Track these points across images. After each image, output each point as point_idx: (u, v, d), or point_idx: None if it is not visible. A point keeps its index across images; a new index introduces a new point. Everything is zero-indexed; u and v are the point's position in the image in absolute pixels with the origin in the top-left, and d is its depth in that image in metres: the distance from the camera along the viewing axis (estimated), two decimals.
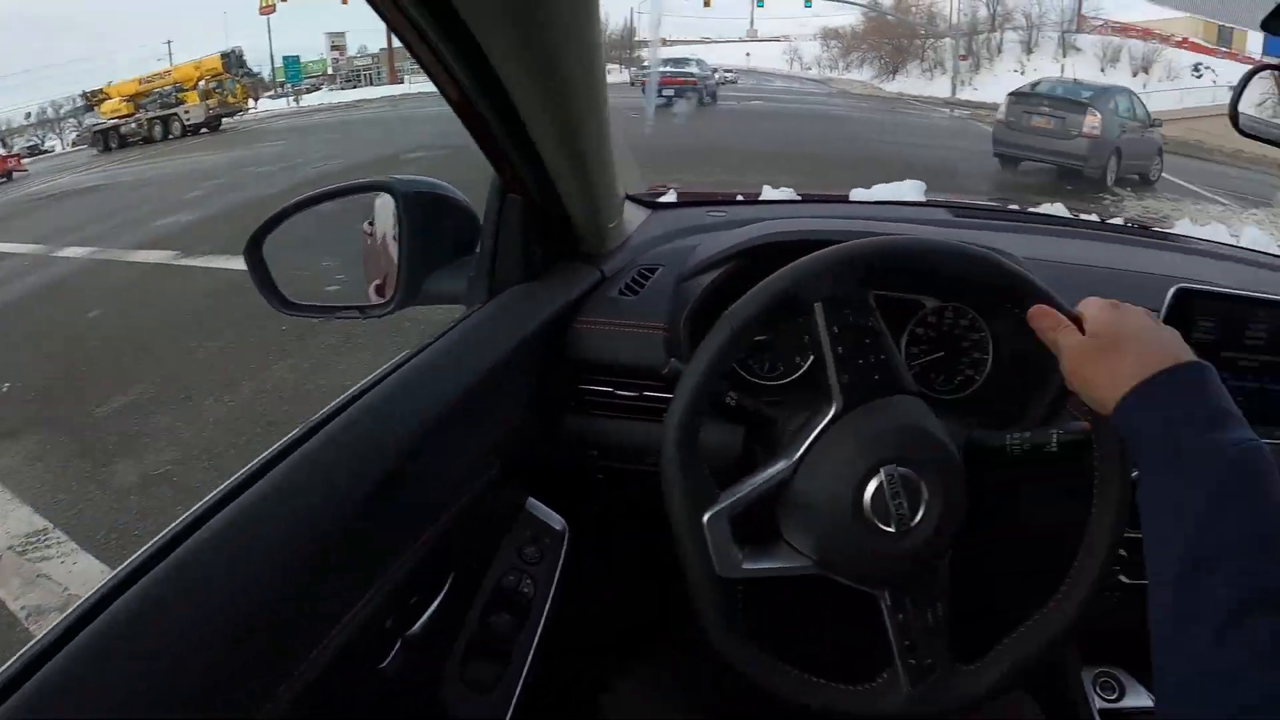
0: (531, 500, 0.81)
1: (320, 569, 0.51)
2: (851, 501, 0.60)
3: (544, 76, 0.60)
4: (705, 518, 0.60)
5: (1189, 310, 0.80)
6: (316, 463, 0.56)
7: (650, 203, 1.02)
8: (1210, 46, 18.95)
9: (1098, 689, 0.90)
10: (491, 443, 0.73)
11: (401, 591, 0.60)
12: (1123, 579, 0.83)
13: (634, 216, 0.95)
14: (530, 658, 0.76)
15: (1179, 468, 0.46)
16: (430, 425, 0.63)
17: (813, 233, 0.80)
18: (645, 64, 19.21)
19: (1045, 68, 18.78)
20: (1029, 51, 20.73)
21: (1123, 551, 0.80)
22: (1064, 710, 0.90)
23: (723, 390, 0.67)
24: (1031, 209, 1.20)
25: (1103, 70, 18.32)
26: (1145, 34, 19.24)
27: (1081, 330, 0.57)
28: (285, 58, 23.57)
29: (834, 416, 0.62)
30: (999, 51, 21.42)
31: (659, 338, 0.78)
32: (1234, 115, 0.83)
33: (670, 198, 1.06)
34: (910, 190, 1.10)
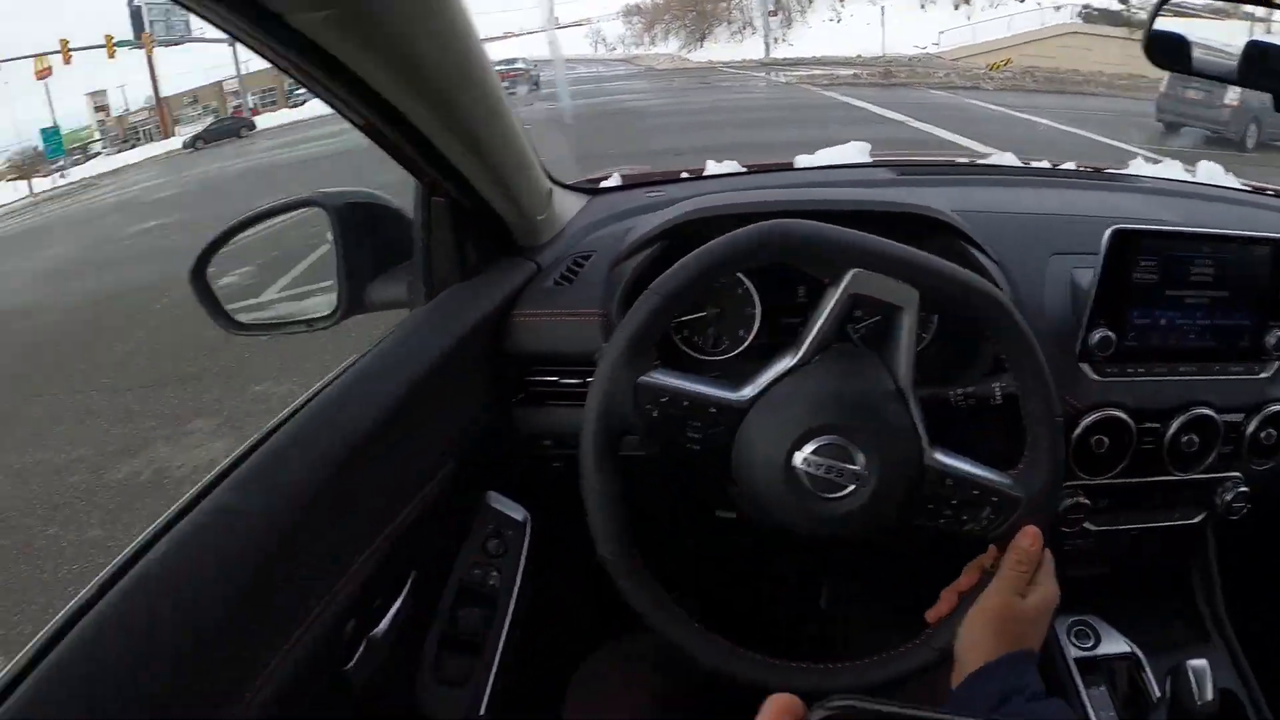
0: (491, 493, 0.82)
1: (276, 576, 0.52)
2: (784, 460, 0.59)
3: (421, 84, 0.61)
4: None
5: (1128, 251, 0.78)
6: (266, 471, 0.57)
7: (590, 189, 1.02)
8: None
9: (1072, 638, 0.91)
10: (444, 441, 0.74)
11: (362, 593, 0.61)
12: (1088, 526, 0.85)
13: (571, 205, 0.96)
14: (501, 649, 0.78)
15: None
16: (377, 427, 0.64)
17: (732, 206, 0.81)
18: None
19: (862, 12, 18.51)
20: None
21: (1084, 499, 0.83)
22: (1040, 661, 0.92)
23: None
24: (980, 161, 1.18)
25: (922, 7, 18.32)
26: None
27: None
28: (43, 130, 20.59)
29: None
30: (810, 2, 20.71)
31: (595, 323, 0.79)
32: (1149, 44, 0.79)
33: (614, 181, 1.06)
34: (855, 152, 1.10)
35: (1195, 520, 0.88)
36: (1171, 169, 1.21)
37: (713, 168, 1.07)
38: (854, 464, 0.59)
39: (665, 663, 0.83)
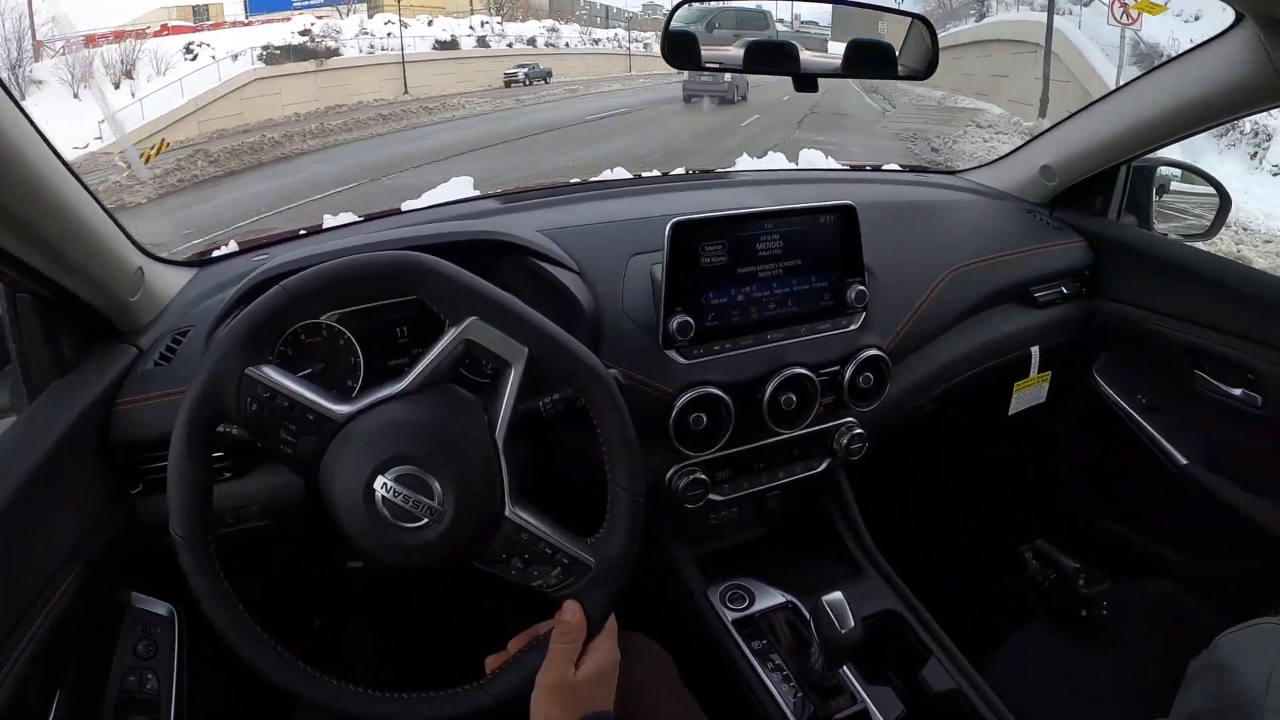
0: (135, 594, 0.80)
1: None
2: (364, 504, 0.60)
3: None
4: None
5: (691, 240, 0.84)
6: None
7: (198, 261, 1.00)
8: (192, 25, 19.10)
9: (726, 602, 0.94)
10: (66, 549, 0.70)
11: (8, 716, 0.58)
12: (714, 498, 0.92)
13: (176, 280, 0.93)
14: None
15: None
16: None
17: (298, 261, 0.81)
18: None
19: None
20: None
21: (701, 475, 0.88)
22: (700, 630, 0.94)
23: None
24: (591, 179, 1.25)
25: (76, 96, 14.77)
26: (117, 37, 16.74)
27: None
28: None
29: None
30: None
31: None
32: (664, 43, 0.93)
33: (230, 248, 1.04)
34: (458, 188, 1.17)
35: (821, 469, 0.99)
36: (775, 160, 1.37)
37: (329, 221, 1.09)
38: (431, 498, 0.61)
39: None
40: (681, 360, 0.87)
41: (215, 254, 1.02)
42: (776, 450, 0.95)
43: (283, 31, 18.21)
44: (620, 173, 1.25)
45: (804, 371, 0.91)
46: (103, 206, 0.79)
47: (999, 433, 1.28)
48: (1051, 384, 1.25)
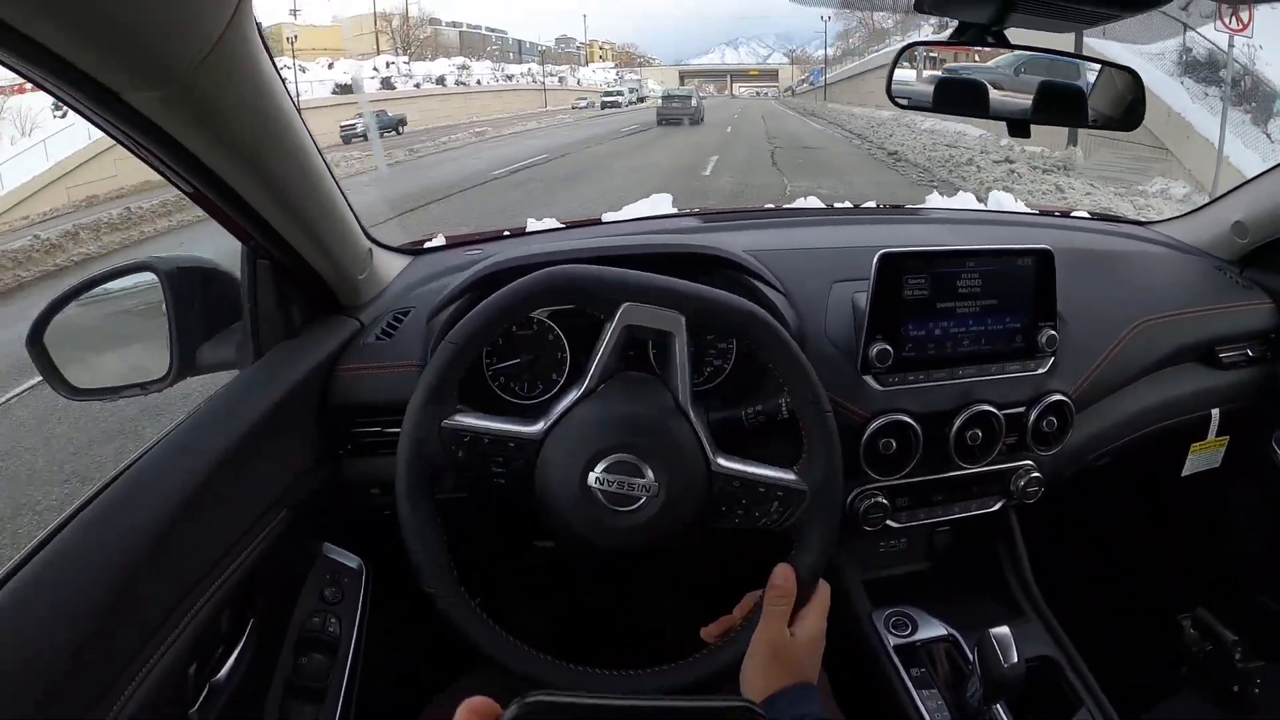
0: (327, 545, 0.85)
1: (117, 619, 0.55)
2: (580, 480, 0.65)
3: (244, 156, 0.66)
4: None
5: (896, 271, 0.86)
6: (109, 515, 0.60)
7: (413, 250, 1.08)
8: None
9: (890, 628, 0.95)
10: (276, 492, 0.76)
11: (203, 640, 0.63)
12: (891, 524, 0.92)
13: (394, 265, 1.00)
14: (344, 693, 0.80)
15: None
16: (205, 482, 0.66)
17: (530, 258, 0.86)
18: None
19: None
20: None
21: (882, 499, 0.90)
22: (861, 652, 0.96)
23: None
24: (786, 205, 1.28)
25: None
26: None
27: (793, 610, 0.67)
28: None
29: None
30: None
31: (414, 374, 0.83)
32: (888, 88, 0.88)
33: (438, 242, 1.11)
34: (659, 204, 1.19)
35: (995, 508, 0.98)
36: (965, 200, 1.35)
37: (532, 225, 1.14)
38: (643, 477, 0.65)
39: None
40: (877, 386, 0.89)
41: (427, 245, 1.09)
42: (956, 484, 0.95)
43: None
44: (814, 202, 1.27)
45: (991, 409, 0.91)
46: (342, 192, 0.84)
47: (1170, 493, 1.23)
48: (1228, 449, 1.19)
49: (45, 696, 0.49)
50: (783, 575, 0.68)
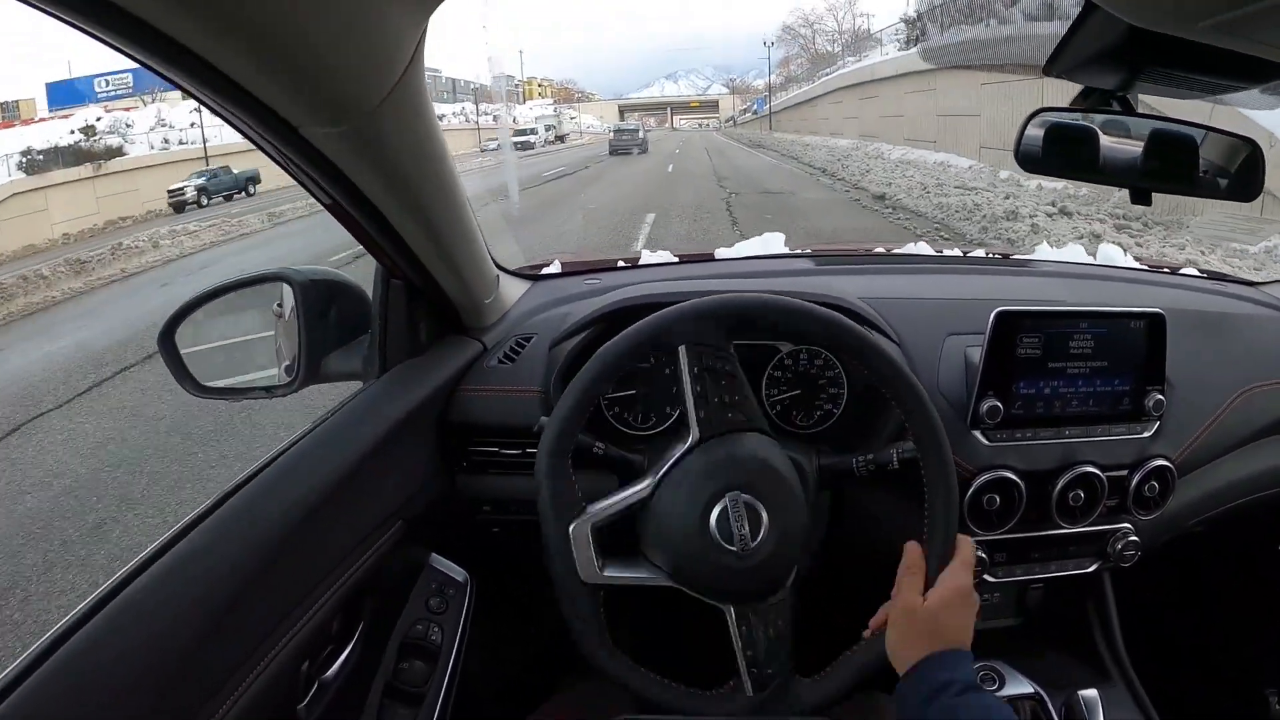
0: (434, 556, 0.89)
1: (241, 615, 0.59)
2: (699, 522, 0.69)
3: (400, 187, 0.70)
4: (571, 527, 0.68)
5: (1011, 329, 0.86)
6: (237, 519, 0.64)
7: (532, 275, 1.11)
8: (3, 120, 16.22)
9: (979, 681, 0.97)
10: (394, 504, 0.80)
11: (315, 640, 0.67)
12: (988, 578, 0.92)
13: (515, 290, 1.04)
14: (441, 700, 0.83)
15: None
16: (333, 488, 0.70)
17: (660, 295, 0.89)
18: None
19: None
20: None
21: (981, 553, 0.90)
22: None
23: (590, 443, 0.76)
24: (896, 250, 1.27)
25: None
26: None
27: (928, 583, 0.69)
28: None
29: (690, 447, 0.71)
30: None
31: (535, 399, 0.86)
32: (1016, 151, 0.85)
33: (554, 268, 1.14)
34: (771, 243, 1.20)
35: (1090, 569, 0.96)
36: (1073, 252, 1.33)
37: (647, 257, 1.16)
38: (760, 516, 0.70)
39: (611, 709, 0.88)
40: (985, 442, 0.89)
41: (545, 271, 1.13)
42: (1054, 543, 0.94)
43: (60, 130, 14.82)
44: (924, 247, 1.27)
45: (1095, 471, 0.90)
46: (473, 214, 0.88)
47: (1269, 565, 1.19)
48: None
49: (175, 677, 0.53)
50: (911, 549, 0.70)
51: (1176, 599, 1.32)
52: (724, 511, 0.68)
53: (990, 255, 1.34)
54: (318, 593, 0.67)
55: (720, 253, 1.19)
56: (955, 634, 0.66)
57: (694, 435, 0.71)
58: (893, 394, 0.73)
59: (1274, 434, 1.07)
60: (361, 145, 0.62)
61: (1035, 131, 0.89)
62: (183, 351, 0.96)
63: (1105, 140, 0.87)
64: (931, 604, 0.67)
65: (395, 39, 0.53)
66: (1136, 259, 1.34)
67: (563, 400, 0.70)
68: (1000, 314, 0.86)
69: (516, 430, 0.85)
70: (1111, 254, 1.31)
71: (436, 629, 0.85)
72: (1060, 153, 0.81)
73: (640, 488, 0.71)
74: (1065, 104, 0.83)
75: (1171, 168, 0.84)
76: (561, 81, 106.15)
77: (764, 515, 0.69)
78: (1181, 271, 1.35)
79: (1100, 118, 0.81)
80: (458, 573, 0.87)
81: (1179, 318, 1.03)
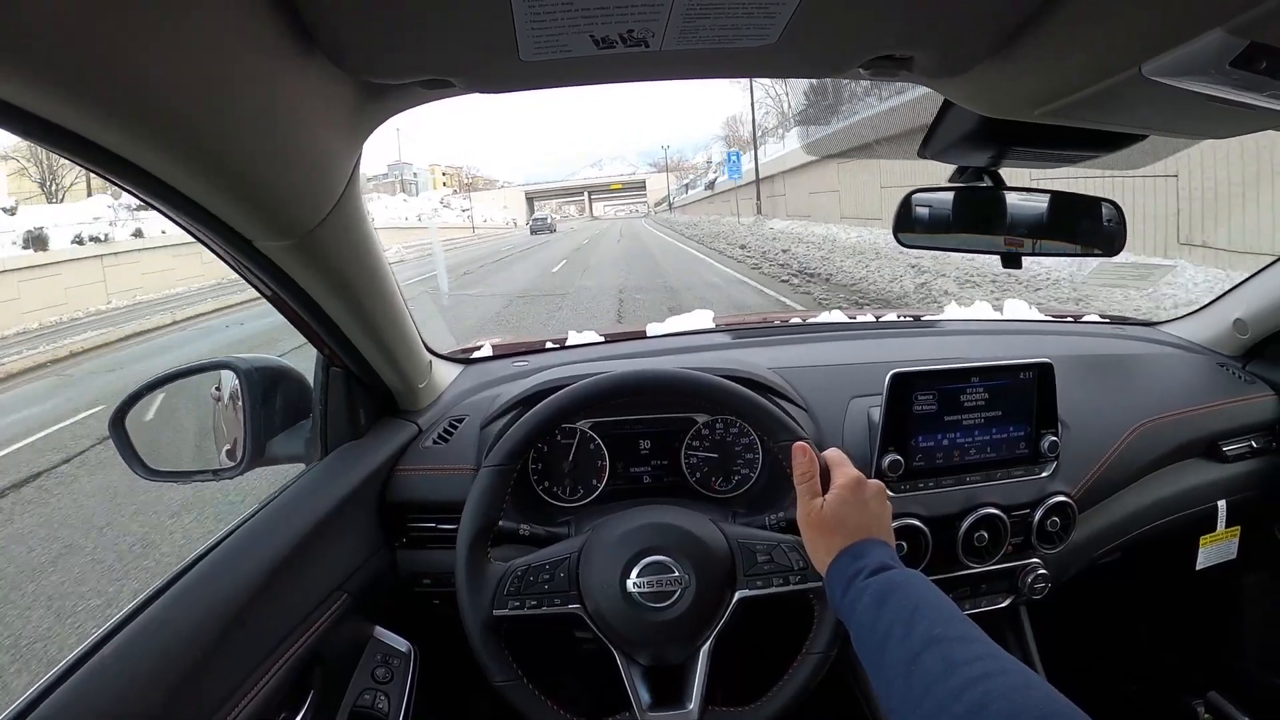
0: (379, 628, 0.92)
1: (192, 692, 0.62)
2: (619, 583, 0.74)
3: (341, 288, 0.75)
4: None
5: (907, 389, 0.93)
6: (194, 591, 0.68)
7: (464, 359, 1.17)
8: None
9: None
10: (338, 580, 0.84)
11: (268, 708, 0.70)
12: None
13: (448, 373, 1.10)
14: None
15: (851, 608, 0.62)
16: (278, 566, 0.74)
17: (581, 376, 0.94)
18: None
19: None
20: None
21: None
22: None
23: (515, 526, 0.82)
24: (811, 319, 1.34)
25: None
26: None
27: (824, 486, 0.71)
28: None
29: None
30: None
31: (468, 476, 0.91)
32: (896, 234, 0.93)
33: (486, 351, 1.20)
34: (699, 319, 1.27)
35: (1004, 605, 1.02)
36: (981, 310, 1.41)
37: (574, 338, 1.23)
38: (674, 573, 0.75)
39: None
40: (889, 494, 0.93)
41: (476, 355, 1.19)
42: (965, 582, 0.99)
43: None
44: (837, 315, 1.34)
45: (996, 512, 0.96)
46: (406, 307, 0.93)
47: (1183, 585, 1.26)
48: (1241, 538, 1.23)
49: None
50: (800, 451, 0.72)
51: (1099, 625, 1.38)
52: (642, 572, 0.74)
53: (901, 318, 1.41)
54: (269, 663, 0.70)
55: (651, 329, 1.25)
56: (862, 526, 0.67)
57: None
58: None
59: (1172, 463, 1.15)
60: (308, 257, 0.67)
61: (909, 210, 0.97)
62: (133, 436, 1.00)
63: (973, 213, 0.95)
64: (830, 503, 0.69)
65: (335, 164, 0.59)
66: (1042, 310, 1.42)
67: (463, 521, 0.77)
68: (895, 375, 0.92)
69: (451, 506, 0.90)
70: (1017, 308, 1.39)
71: (383, 698, 0.88)
72: (931, 228, 0.89)
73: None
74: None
75: (1039, 231, 0.92)
76: (467, 170, 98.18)
77: (678, 571, 0.75)
78: (1084, 319, 1.43)
79: (967, 193, 0.89)
80: (401, 644, 0.91)
81: (1076, 363, 1.11)
